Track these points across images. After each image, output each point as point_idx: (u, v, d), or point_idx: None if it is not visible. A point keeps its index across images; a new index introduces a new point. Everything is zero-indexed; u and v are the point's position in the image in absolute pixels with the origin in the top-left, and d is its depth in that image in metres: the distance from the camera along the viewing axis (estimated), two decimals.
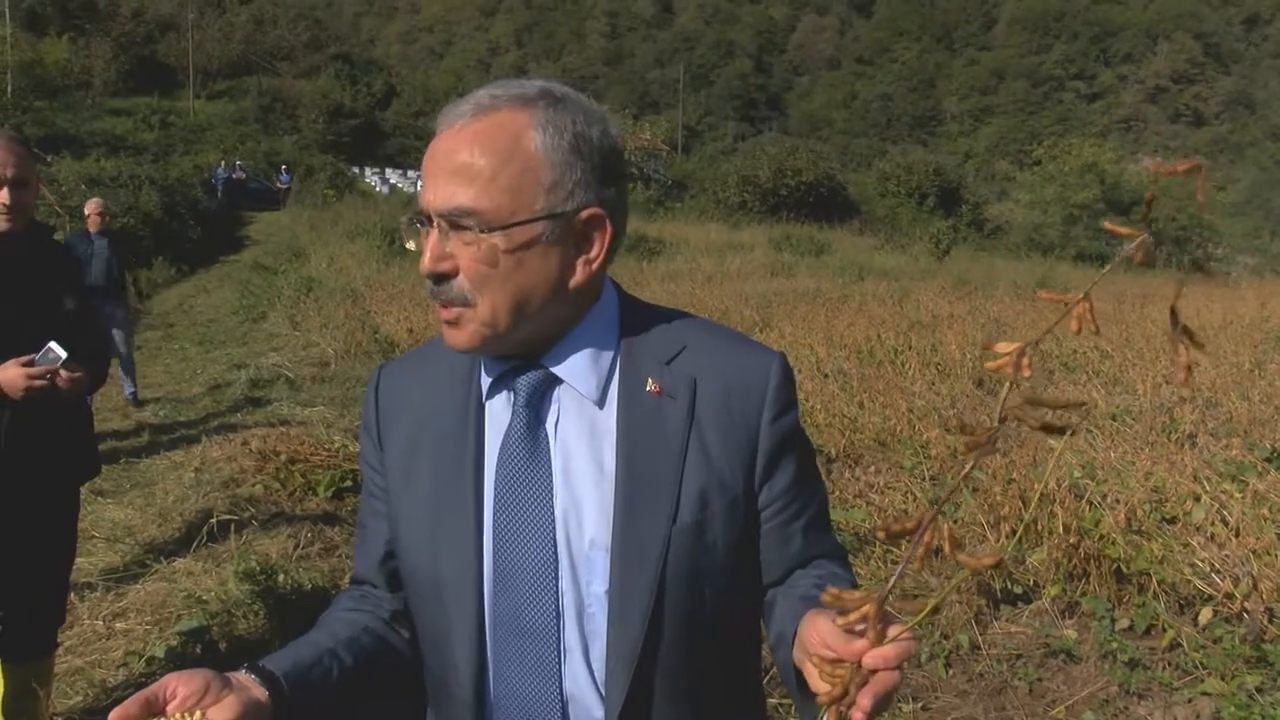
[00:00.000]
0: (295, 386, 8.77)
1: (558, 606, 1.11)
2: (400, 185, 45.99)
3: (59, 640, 3.15)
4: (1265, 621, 4.05)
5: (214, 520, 4.94)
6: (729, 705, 1.22)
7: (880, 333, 11.95)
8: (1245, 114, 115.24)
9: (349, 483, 5.63)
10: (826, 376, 8.95)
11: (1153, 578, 4.41)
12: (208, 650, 3.66)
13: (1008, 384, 0.74)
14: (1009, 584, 4.49)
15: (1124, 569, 4.50)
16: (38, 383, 2.64)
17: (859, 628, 0.86)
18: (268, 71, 60.48)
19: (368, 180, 46.88)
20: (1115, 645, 4.00)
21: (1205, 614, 4.14)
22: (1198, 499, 5.16)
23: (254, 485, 5.61)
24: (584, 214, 1.10)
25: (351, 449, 5.95)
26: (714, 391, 1.16)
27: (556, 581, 1.11)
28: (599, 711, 1.12)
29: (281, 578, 4.13)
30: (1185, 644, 3.99)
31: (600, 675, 1.12)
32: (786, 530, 1.19)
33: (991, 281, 22.85)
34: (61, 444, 2.89)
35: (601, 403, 1.15)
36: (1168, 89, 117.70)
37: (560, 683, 1.12)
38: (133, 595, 4.29)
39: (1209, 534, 4.63)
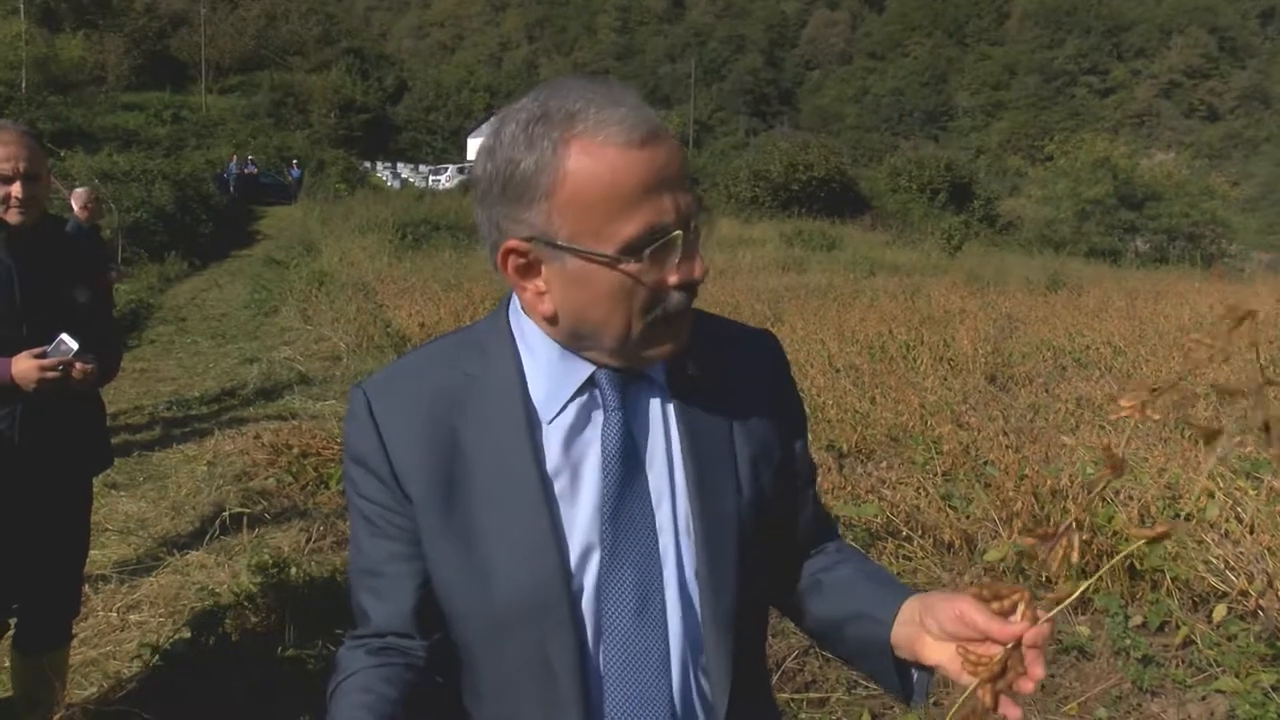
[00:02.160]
0: (307, 380, 8.79)
1: (664, 608, 1.12)
2: (411, 180, 46.00)
3: (73, 632, 3.16)
4: None
5: (226, 513, 4.95)
6: (765, 672, 1.33)
7: (892, 328, 11.91)
8: (1260, 109, 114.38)
9: None
10: (838, 372, 8.93)
11: (1166, 574, 4.39)
12: (221, 643, 3.67)
13: (1129, 426, 0.94)
14: (1020, 579, 4.47)
15: (1137, 565, 4.48)
16: (50, 374, 2.65)
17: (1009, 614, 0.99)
18: (279, 66, 60.67)
19: (379, 174, 46.97)
20: (1129, 642, 3.98)
21: (1219, 611, 4.11)
22: (1211, 495, 5.13)
23: (266, 479, 5.62)
24: None
25: None
26: (735, 369, 1.22)
27: (663, 585, 1.12)
28: (703, 703, 1.16)
29: (294, 571, 4.13)
30: (1199, 641, 3.97)
31: (697, 661, 1.15)
32: (803, 495, 1.29)
33: (1003, 277, 22.74)
34: (74, 436, 2.90)
35: (659, 391, 1.17)
36: (1181, 84, 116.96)
37: (670, 685, 1.13)
38: (146, 587, 4.31)
39: (1223, 531, 4.60)
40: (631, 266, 1.03)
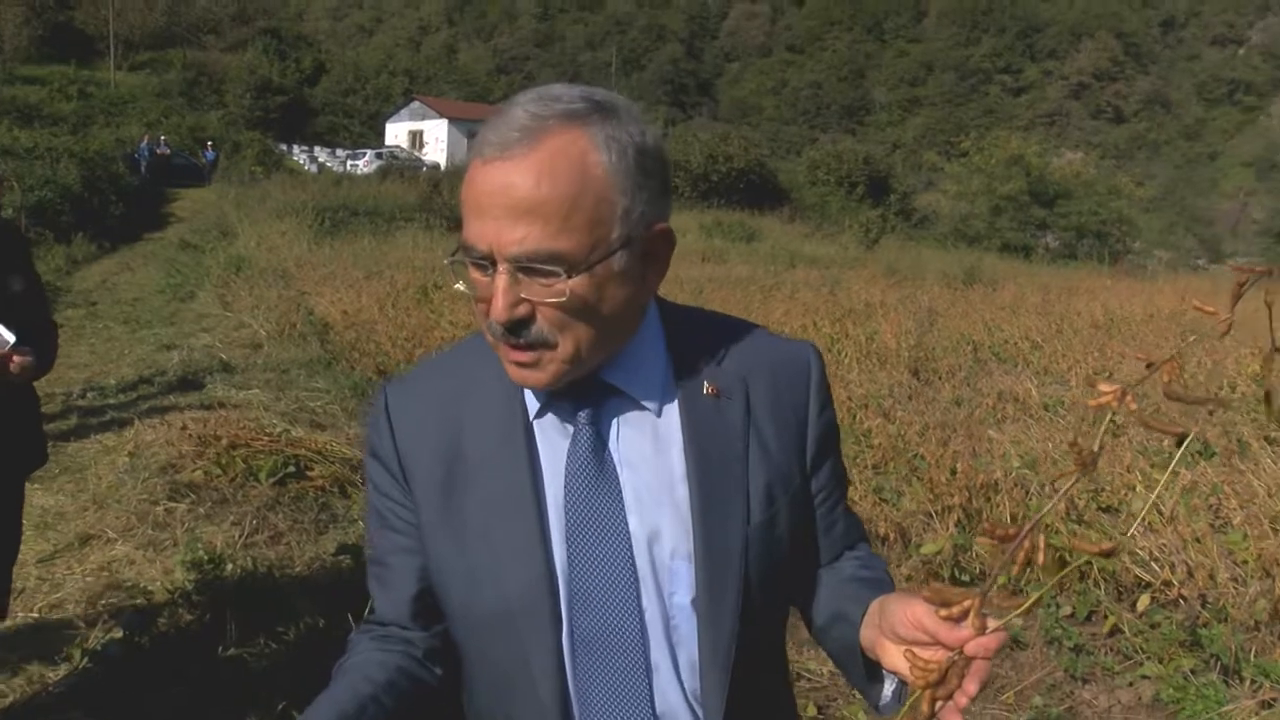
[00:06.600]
0: (229, 368, 8.56)
1: (641, 624, 1.10)
2: (329, 164, 45.10)
3: None
4: (1199, 607, 4.19)
5: (159, 508, 4.78)
6: (785, 689, 1.29)
7: (815, 320, 12.08)
8: (1161, 112, 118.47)
9: (291, 469, 5.50)
10: None
11: (1093, 565, 4.53)
12: (156, 644, 3.55)
13: (1108, 416, 0.85)
14: (956, 572, 4.57)
15: (1066, 558, 4.60)
16: None
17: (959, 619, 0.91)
18: (193, 44, 58.94)
19: (296, 158, 45.98)
20: (1060, 631, 4.11)
21: (1143, 601, 4.26)
22: (1132, 488, 5.31)
23: (194, 471, 5.42)
24: (654, 230, 1.07)
25: (294, 434, 5.82)
26: (764, 388, 1.17)
27: (639, 599, 1.09)
28: None
29: (230, 567, 4.02)
30: (1126, 629, 4.11)
31: (691, 687, 1.12)
32: (832, 515, 1.24)
33: (920, 271, 23.19)
34: (6, 432, 2.78)
35: (659, 410, 1.13)
36: (1090, 85, 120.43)
37: (651, 702, 1.11)
38: (70, 585, 4.15)
39: (1146, 523, 4.76)
40: (471, 272, 1.03)
